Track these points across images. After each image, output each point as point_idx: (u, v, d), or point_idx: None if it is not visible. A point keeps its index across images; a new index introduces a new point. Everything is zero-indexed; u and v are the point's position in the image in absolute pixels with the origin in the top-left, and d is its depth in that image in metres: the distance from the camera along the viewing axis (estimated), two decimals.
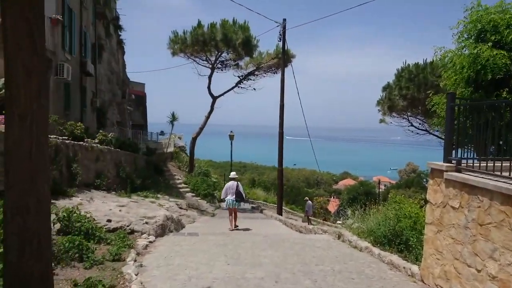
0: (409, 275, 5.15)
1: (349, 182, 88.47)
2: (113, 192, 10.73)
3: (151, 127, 39.05)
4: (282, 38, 14.39)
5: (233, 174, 10.93)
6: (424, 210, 7.46)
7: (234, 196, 9.89)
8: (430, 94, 8.14)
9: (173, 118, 21.09)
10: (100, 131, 11.86)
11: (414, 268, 5.20)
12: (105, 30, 25.95)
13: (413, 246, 6.24)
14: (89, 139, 10.71)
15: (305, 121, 16.85)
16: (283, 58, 14.65)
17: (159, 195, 12.88)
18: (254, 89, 19.79)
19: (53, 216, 5.87)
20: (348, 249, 7.01)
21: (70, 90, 14.83)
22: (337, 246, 7.22)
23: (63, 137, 9.28)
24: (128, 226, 6.90)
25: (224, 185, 11.86)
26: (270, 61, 18.26)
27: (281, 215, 15.42)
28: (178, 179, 19.47)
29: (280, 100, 15.13)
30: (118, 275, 4.46)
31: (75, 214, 5.99)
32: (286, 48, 15.14)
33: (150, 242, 6.63)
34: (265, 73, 19.56)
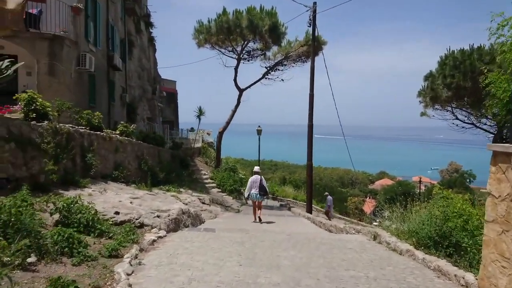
0: (462, 285, 4.10)
1: (386, 182, 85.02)
2: (133, 185, 10.31)
3: (181, 124, 39.29)
4: (312, 23, 13.38)
5: (256, 168, 11.02)
6: (476, 208, 6.30)
7: (257, 190, 10.08)
8: (485, 70, 6.87)
9: (200, 112, 20.64)
10: (121, 122, 11.52)
11: (469, 276, 4.12)
12: (135, 26, 26.13)
13: (467, 249, 5.14)
14: (108, 130, 10.36)
15: (338, 117, 15.77)
16: (313, 45, 13.62)
17: (182, 189, 12.38)
18: (282, 80, 18.83)
19: (51, 206, 5.42)
20: (385, 252, 5.99)
21: (96, 82, 14.73)
22: (373, 248, 6.21)
23: (80, 127, 8.94)
24: (137, 219, 6.31)
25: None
26: (299, 49, 17.14)
27: (311, 213, 14.42)
28: (204, 174, 19.02)
29: (310, 90, 14.14)
30: (107, 274, 3.81)
31: (77, 205, 5.48)
32: (316, 34, 14.10)
33: (160, 237, 5.99)
34: (294, 63, 18.49)
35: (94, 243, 4.96)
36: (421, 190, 76.95)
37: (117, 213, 6.29)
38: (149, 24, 30.92)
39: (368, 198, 78.87)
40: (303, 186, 39.26)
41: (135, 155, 11.47)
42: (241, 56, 18.47)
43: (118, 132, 11.04)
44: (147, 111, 27.12)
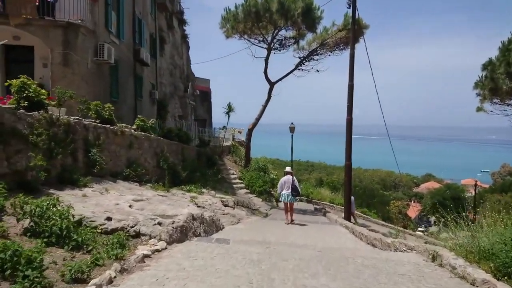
0: None
1: (432, 185, 79.88)
2: (148, 184, 9.33)
3: (215, 123, 38.66)
4: (352, 3, 11.72)
5: (288, 168, 10.77)
6: None
7: (289, 191, 9.90)
8: None
9: (229, 109, 19.53)
10: (138, 116, 10.63)
11: None
12: (167, 22, 25.68)
13: None
14: (123, 124, 9.47)
15: (382, 115, 14.00)
16: (352, 28, 11.94)
17: (204, 190, 11.28)
18: (318, 70, 17.08)
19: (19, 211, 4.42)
20: (452, 282, 4.36)
21: (119, 76, 14.10)
22: (433, 275, 4.59)
23: (89, 120, 8.07)
24: (132, 227, 5.18)
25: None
26: (337, 34, 15.33)
27: (349, 220, 12.73)
28: (233, 173, 17.89)
29: (349, 79, 12.47)
30: None
31: (53, 209, 4.44)
32: (357, 16, 12.39)
33: (156, 250, 4.81)
34: (331, 51, 16.66)
35: (65, 259, 3.86)
36: (469, 194, 71.11)
37: (109, 219, 5.20)
38: (182, 21, 30.49)
39: (412, 202, 74.32)
40: (341, 188, 37.06)
41: (154, 152, 10.52)
42: (271, 45, 16.95)
43: (135, 126, 10.14)
44: (179, 109, 26.62)
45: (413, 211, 66.00)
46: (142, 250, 4.69)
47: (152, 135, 10.53)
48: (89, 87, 10.79)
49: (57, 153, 6.33)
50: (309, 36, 16.42)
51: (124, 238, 4.94)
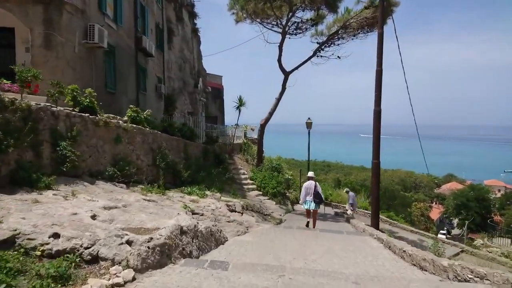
0: None
1: (455, 185, 76.60)
2: (140, 186, 7.85)
3: (227, 121, 37.22)
4: None
5: (311, 173, 10.38)
6: None
7: (312, 197, 9.63)
8: None
9: (240, 102, 17.91)
10: (131, 106, 9.15)
11: None
12: (176, 14, 24.38)
13: None
14: (110, 115, 8.01)
15: (413, 116, 12.27)
16: (381, 3, 10.15)
17: (208, 192, 9.73)
18: (339, 57, 15.21)
19: None
20: None
21: (117, 65, 12.73)
22: None
23: (65, 108, 6.62)
24: (88, 247, 3.65)
25: (300, 184, 11.76)
26: (361, 14, 13.35)
27: (377, 227, 10.94)
28: (244, 173, 16.30)
29: (377, 64, 10.72)
30: None
31: None
32: None
33: (118, 285, 3.29)
34: (354, 35, 14.76)
35: None
36: (495, 196, 67.08)
37: (55, 236, 3.69)
38: (193, 14, 29.13)
39: (434, 203, 71.09)
40: (361, 189, 34.96)
41: (149, 148, 9.03)
42: (286, 29, 15.20)
43: (125, 118, 8.68)
44: (188, 105, 25.23)
45: (435, 213, 62.94)
46: (94, 285, 3.16)
47: (147, 129, 9.04)
48: (77, 74, 9.41)
49: (8, 145, 4.89)
50: (329, 19, 14.57)
51: (73, 265, 3.43)
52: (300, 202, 10.44)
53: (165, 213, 5.25)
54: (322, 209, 16.02)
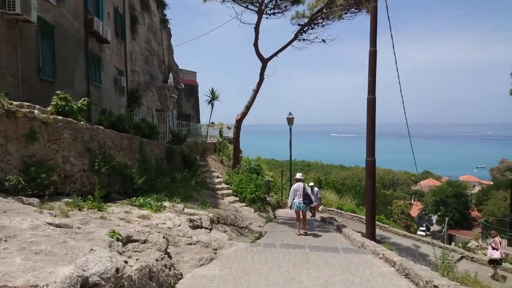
0: None
1: (431, 182, 77.24)
2: (64, 200, 5.68)
3: (204, 120, 34.98)
4: None
5: (299, 175, 10.27)
6: None
7: (301, 199, 9.59)
8: None
9: (213, 96, 15.79)
10: (57, 91, 6.94)
11: None
12: (140, 1, 22.11)
13: None
14: (24, 103, 5.81)
15: (405, 115, 10.57)
16: None
17: (167, 203, 7.66)
18: (324, 40, 13.43)
19: None
20: None
21: (58, 48, 10.43)
22: None
23: None
24: None
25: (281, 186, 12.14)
26: None
27: (374, 238, 9.22)
28: (218, 176, 14.26)
29: (371, 45, 9.03)
30: None
31: None
32: None
33: None
34: (340, 16, 12.96)
35: None
36: (472, 192, 68.03)
37: None
38: (161, 4, 26.79)
39: (412, 200, 71.29)
40: (344, 189, 33.60)
41: (84, 148, 6.85)
42: (263, 8, 13.24)
43: (49, 108, 6.48)
44: (156, 102, 22.87)
45: (414, 210, 62.89)
46: None
47: (82, 123, 6.87)
48: None
49: None
50: None
51: None
52: (288, 204, 10.34)
53: (68, 250, 3.19)
54: (310, 214, 14.29)
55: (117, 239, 4.04)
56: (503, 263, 12.34)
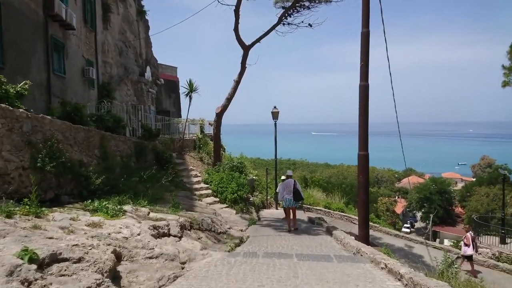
0: None
1: (414, 179, 77.92)
2: None
3: (184, 118, 33.54)
4: None
5: (289, 172, 10.46)
6: None
7: (291, 195, 9.64)
8: None
9: (191, 88, 14.51)
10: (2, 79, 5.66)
11: None
12: None
13: None
14: None
15: (396, 114, 9.87)
16: None
17: (128, 207, 6.46)
18: (310, 25, 12.42)
19: None
20: None
21: (6, 30, 9.08)
22: None
23: None
24: None
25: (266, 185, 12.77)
26: None
27: (368, 241, 8.27)
28: (196, 175, 13.09)
29: (363, 25, 8.08)
30: None
31: None
32: None
33: None
34: None
35: None
36: (455, 188, 68.85)
37: None
38: None
39: (397, 197, 71.64)
40: (330, 187, 32.85)
41: (22, 142, 5.59)
42: None
43: None
44: (132, 97, 21.42)
45: (399, 207, 63.07)
46: None
47: (22, 110, 5.61)
48: None
49: None
50: None
51: None
52: (279, 200, 10.45)
53: None
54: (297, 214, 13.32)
55: (30, 261, 2.86)
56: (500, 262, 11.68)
